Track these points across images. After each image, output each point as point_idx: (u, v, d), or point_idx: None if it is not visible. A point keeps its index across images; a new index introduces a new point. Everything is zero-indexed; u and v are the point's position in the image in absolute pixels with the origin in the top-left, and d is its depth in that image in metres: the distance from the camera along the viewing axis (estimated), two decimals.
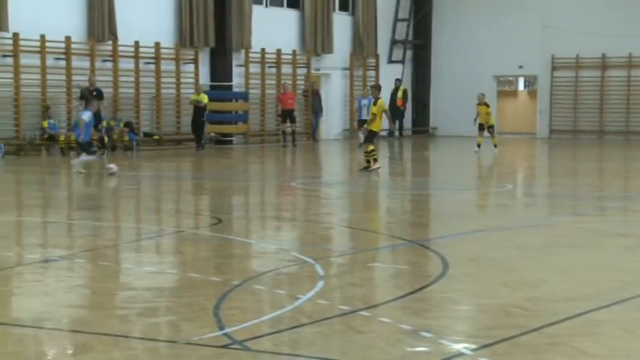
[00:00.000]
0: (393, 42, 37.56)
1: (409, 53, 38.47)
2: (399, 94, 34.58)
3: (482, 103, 26.51)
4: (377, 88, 20.51)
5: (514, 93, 42.13)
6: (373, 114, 19.26)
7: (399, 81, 35.07)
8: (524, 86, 42.18)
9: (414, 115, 38.81)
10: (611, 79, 35.34)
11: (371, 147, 19.16)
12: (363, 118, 23.57)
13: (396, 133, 32.91)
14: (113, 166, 18.34)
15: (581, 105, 35.82)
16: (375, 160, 19.33)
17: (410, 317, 6.69)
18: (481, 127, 26.32)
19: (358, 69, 35.52)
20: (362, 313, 6.75)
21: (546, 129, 36.77)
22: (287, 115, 29.39)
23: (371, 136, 19.21)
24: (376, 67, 36.03)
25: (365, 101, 24.31)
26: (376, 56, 35.98)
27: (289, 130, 29.33)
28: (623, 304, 7.02)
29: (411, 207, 14.73)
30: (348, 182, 18.59)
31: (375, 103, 19.31)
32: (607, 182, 19.29)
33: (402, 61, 37.89)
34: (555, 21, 35.76)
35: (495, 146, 26.46)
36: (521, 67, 37.44)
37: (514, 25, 36.71)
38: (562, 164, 25.01)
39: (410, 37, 38.21)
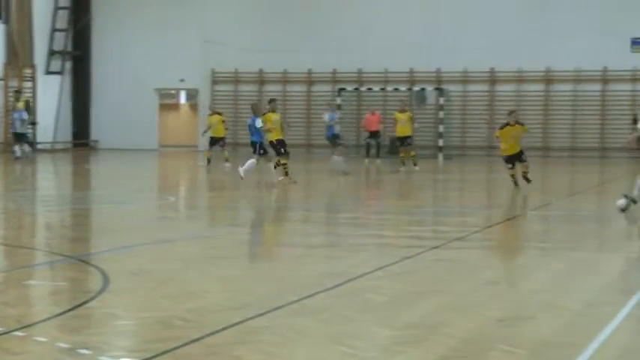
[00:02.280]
0: (51, 52, 36.51)
1: (68, 64, 37.59)
2: None
3: (214, 112, 26.39)
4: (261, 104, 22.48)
5: (176, 106, 42.50)
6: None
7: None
8: (186, 99, 42.70)
9: (74, 127, 37.96)
10: (268, 94, 36.77)
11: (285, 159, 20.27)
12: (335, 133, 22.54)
13: None
14: None
15: (241, 119, 36.85)
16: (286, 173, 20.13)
17: (68, 335, 6.50)
18: (213, 142, 25.90)
19: (13, 79, 34.12)
20: (16, 333, 6.46)
21: (207, 141, 37.40)
22: None
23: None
24: (33, 78, 34.80)
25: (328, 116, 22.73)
26: (32, 67, 34.76)
27: None
28: (280, 311, 7.28)
29: (72, 222, 14.36)
30: None
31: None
32: (263, 195, 19.96)
33: (61, 72, 36.96)
34: (215, 36, 36.57)
35: (227, 160, 25.89)
36: (182, 80, 37.87)
37: (175, 38, 37.11)
38: (220, 178, 25.55)
39: (69, 48, 37.34)
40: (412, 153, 25.22)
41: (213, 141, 26.36)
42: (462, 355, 6.09)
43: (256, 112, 20.36)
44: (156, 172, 28.74)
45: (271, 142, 20.36)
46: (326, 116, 27.76)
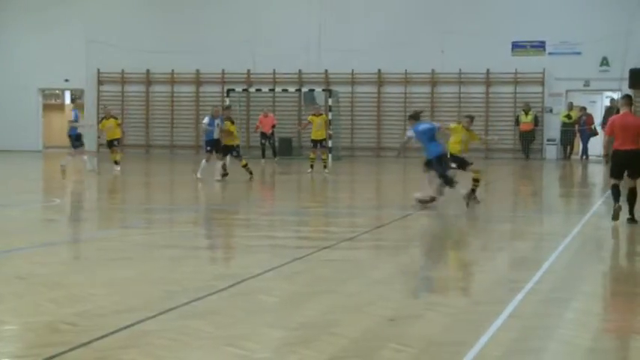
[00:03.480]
0: None
1: None
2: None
3: (111, 116, 25.74)
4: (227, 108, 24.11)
5: (61, 106, 41.63)
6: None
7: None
8: (71, 100, 41.86)
9: None
10: (155, 94, 36.38)
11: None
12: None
13: None
14: None
15: (128, 119, 36.35)
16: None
17: None
18: (110, 144, 25.32)
19: None
20: None
21: (94, 142, 36.74)
22: None
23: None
24: None
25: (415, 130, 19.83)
26: None
27: None
28: (169, 314, 7.20)
29: None
30: None
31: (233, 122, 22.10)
32: (155, 195, 19.75)
33: None
34: (101, 36, 35.97)
35: None
36: (67, 80, 37.11)
37: (59, 37, 36.35)
38: (115, 180, 25.11)
39: None
40: (324, 156, 25.41)
41: (110, 143, 25.50)
42: (353, 355, 6.14)
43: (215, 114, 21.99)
44: (40, 173, 28.06)
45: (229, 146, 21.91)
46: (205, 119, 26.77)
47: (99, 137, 25.42)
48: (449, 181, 15.49)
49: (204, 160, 21.86)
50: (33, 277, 8.83)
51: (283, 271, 9.28)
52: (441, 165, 15.52)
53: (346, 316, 7.21)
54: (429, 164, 15.77)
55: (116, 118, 25.92)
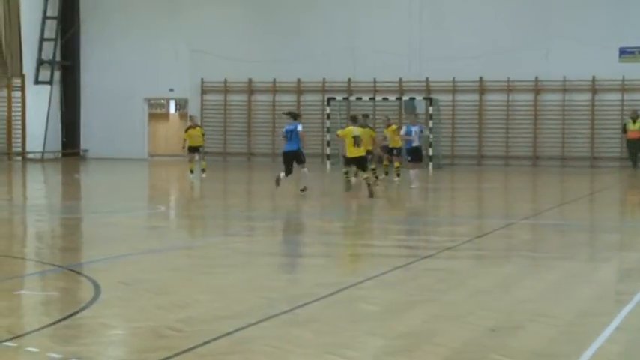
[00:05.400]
0: (40, 62, 36.47)
1: (57, 74, 37.55)
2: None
3: (197, 125, 26.42)
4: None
5: (166, 116, 42.50)
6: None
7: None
8: (176, 109, 42.69)
9: (63, 137, 37.96)
10: (257, 103, 36.83)
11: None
12: (414, 145, 22.37)
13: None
14: None
15: (231, 128, 36.92)
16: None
17: (59, 345, 6.48)
18: (192, 151, 26.00)
19: (3, 89, 34.08)
20: (7, 343, 6.43)
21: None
22: None
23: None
24: (22, 88, 34.77)
25: (415, 128, 22.49)
26: (22, 76, 34.72)
27: None
28: (271, 321, 7.28)
29: (62, 231, 14.32)
30: None
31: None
32: (256, 203, 19.98)
33: (50, 82, 36.93)
34: (204, 46, 36.62)
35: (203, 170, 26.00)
36: (171, 90, 37.87)
37: (164, 48, 37.13)
38: (214, 186, 25.52)
39: (58, 58, 37.30)
40: (397, 164, 25.30)
41: (192, 150, 26.28)
42: None
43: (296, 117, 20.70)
44: (146, 181, 28.69)
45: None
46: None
47: (184, 148, 26.06)
48: None
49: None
50: (138, 283, 9.03)
51: (384, 280, 9.28)
52: None
53: (447, 325, 7.17)
54: None
55: (201, 127, 26.79)
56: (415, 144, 22.45)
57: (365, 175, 19.94)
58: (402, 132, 23.04)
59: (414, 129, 22.58)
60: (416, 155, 22.55)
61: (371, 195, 18.91)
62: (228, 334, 6.79)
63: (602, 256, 11.69)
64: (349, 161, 20.48)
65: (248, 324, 7.09)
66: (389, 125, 25.89)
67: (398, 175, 24.76)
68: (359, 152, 19.83)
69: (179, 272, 9.82)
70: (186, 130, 26.48)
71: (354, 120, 20.41)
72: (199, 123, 27.55)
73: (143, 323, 7.16)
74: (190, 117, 28.13)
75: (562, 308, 7.89)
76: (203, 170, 25.88)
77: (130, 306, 7.97)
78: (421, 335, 6.82)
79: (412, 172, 22.14)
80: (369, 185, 19.34)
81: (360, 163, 20.05)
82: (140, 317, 7.43)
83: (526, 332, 6.96)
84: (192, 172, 25.42)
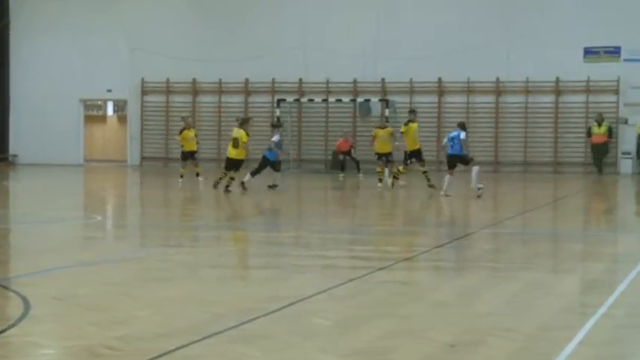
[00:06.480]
0: None
1: None
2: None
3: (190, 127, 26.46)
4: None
5: (103, 118, 42.20)
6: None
7: None
8: (114, 111, 42.41)
9: None
10: (202, 105, 36.70)
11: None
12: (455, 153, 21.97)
13: None
14: None
15: (173, 131, 36.73)
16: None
17: None
18: (186, 155, 25.92)
19: None
20: None
21: (137, 156, 37.21)
22: None
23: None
24: None
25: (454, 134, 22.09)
26: None
27: None
28: (215, 338, 7.23)
29: None
30: None
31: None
32: (201, 211, 19.90)
33: None
34: (145, 44, 36.42)
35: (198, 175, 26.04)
36: (109, 90, 37.61)
37: (101, 45, 36.89)
38: (154, 193, 25.39)
39: None
40: (394, 169, 25.57)
41: (187, 155, 26.19)
42: None
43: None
44: (81, 188, 28.44)
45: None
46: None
47: (182, 146, 25.99)
48: None
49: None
50: (71, 298, 8.93)
51: (337, 293, 9.28)
52: None
53: (404, 341, 7.18)
54: None
55: (195, 129, 26.69)
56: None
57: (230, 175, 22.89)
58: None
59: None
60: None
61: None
62: (169, 352, 6.73)
63: (566, 266, 11.81)
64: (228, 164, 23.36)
65: (191, 341, 7.04)
66: (384, 127, 26.13)
67: (380, 181, 25.08)
68: (237, 154, 23.10)
69: (115, 286, 9.72)
70: (180, 132, 26.37)
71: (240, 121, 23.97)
72: (192, 124, 27.37)
73: (76, 342, 7.08)
74: (183, 118, 27.94)
75: (524, 322, 7.95)
76: (197, 174, 25.71)
77: (63, 323, 7.87)
78: (376, 352, 6.82)
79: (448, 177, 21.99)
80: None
81: (234, 165, 23.15)
82: (73, 335, 7.34)
83: (487, 348, 7.00)
84: (182, 176, 25.36)
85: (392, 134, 26.00)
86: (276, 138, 24.28)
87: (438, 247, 13.34)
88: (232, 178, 23.10)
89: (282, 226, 16.70)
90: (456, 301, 9.09)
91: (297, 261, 11.82)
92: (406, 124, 24.46)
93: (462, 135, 21.61)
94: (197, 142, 26.62)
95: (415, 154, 24.27)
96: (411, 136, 24.06)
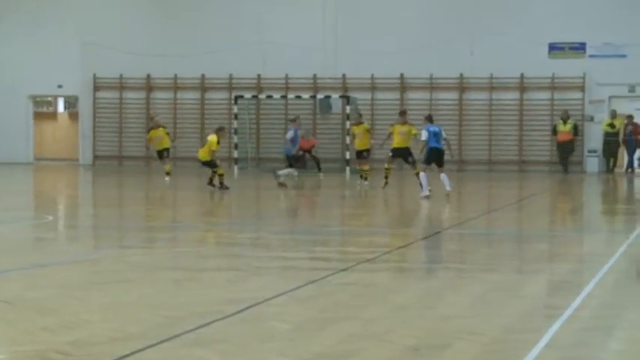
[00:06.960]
0: None
1: None
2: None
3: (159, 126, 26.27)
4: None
5: (54, 115, 41.89)
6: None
7: None
8: (65, 107, 42.10)
9: None
10: (157, 101, 36.51)
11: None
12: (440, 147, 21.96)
13: None
14: None
15: (127, 129, 36.53)
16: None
17: None
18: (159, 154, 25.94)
19: None
20: None
21: (90, 154, 36.98)
22: None
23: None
24: None
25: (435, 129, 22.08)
26: None
27: None
28: (172, 342, 7.20)
29: None
30: None
31: None
32: (157, 212, 19.81)
33: None
34: (97, 38, 36.17)
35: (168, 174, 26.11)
36: (60, 86, 37.32)
37: (51, 38, 36.60)
38: (107, 193, 25.23)
39: None
40: (365, 168, 25.73)
41: (159, 154, 26.31)
42: None
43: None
44: (31, 187, 28.20)
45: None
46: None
47: (147, 148, 26.08)
48: None
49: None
50: (22, 302, 8.86)
51: (296, 295, 9.28)
52: None
53: (365, 344, 7.20)
54: None
55: (165, 127, 26.56)
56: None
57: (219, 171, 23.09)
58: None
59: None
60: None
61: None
62: (123, 357, 6.70)
63: (531, 268, 11.89)
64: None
65: (146, 345, 7.01)
66: (359, 123, 26.23)
67: (362, 178, 25.23)
68: (202, 156, 23.40)
69: (67, 289, 9.65)
70: (147, 132, 26.31)
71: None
72: (160, 122, 27.31)
73: (27, 347, 7.02)
74: (151, 117, 27.85)
75: (489, 324, 8.00)
76: (167, 173, 25.75)
77: (12, 327, 7.80)
78: (337, 356, 6.82)
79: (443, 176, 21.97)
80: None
81: (205, 164, 23.45)
82: (24, 340, 7.28)
83: (452, 351, 7.03)
84: (168, 173, 25.52)
85: (368, 130, 26.15)
86: (289, 134, 24.52)
87: (401, 247, 13.38)
88: (221, 175, 23.10)
89: (240, 226, 16.67)
90: (420, 303, 9.12)
91: (256, 262, 11.81)
92: (393, 125, 24.61)
93: (444, 134, 22.11)
94: (173, 140, 26.75)
95: (399, 152, 24.18)
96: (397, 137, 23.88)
